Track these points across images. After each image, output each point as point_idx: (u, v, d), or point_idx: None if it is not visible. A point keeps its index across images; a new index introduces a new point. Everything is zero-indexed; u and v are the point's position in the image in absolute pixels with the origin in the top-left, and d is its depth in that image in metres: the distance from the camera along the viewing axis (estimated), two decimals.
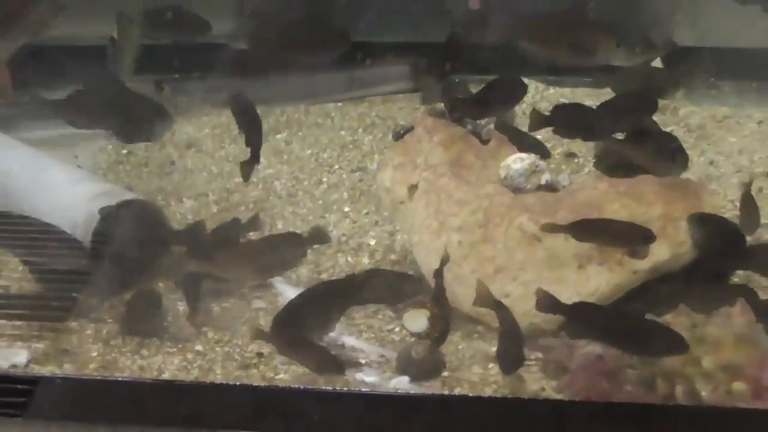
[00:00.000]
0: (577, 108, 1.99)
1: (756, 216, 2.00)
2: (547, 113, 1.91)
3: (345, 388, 1.66)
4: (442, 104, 2.10)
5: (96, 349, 1.83)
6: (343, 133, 2.66)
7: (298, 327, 1.71)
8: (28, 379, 1.66)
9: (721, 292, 1.80)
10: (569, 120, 1.87)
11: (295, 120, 2.74)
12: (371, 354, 1.78)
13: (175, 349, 1.82)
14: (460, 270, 1.84)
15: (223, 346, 1.83)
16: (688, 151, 1.88)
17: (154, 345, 1.83)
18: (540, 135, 2.30)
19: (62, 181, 2.13)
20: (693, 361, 1.55)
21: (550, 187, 1.93)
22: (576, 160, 2.39)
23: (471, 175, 1.97)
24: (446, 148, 1.98)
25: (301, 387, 1.66)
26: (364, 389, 1.67)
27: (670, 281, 1.80)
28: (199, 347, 1.83)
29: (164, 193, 2.38)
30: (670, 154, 1.81)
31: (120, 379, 1.73)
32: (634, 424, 1.53)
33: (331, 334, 1.78)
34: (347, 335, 1.82)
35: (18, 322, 1.86)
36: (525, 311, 1.77)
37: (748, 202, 2.00)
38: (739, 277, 1.89)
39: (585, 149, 2.19)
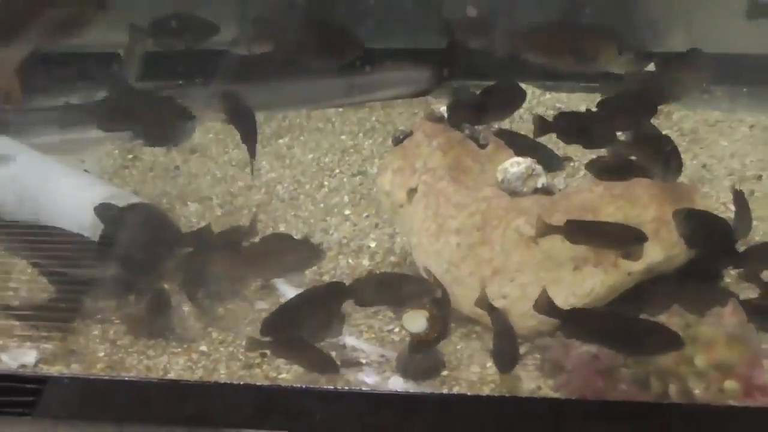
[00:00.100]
0: (579, 116, 1.99)
1: (749, 219, 2.00)
2: (550, 119, 1.92)
3: (346, 388, 1.66)
4: (441, 109, 2.10)
5: (103, 350, 1.83)
6: (343, 137, 2.67)
7: (286, 329, 1.71)
8: (36, 379, 1.66)
9: (713, 292, 1.81)
10: (572, 127, 1.88)
11: (296, 125, 2.75)
12: (372, 354, 1.78)
13: (180, 350, 1.83)
14: (459, 272, 1.85)
15: (227, 347, 1.83)
16: (681, 155, 1.88)
17: (159, 345, 1.84)
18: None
19: (70, 186, 2.13)
20: (686, 360, 1.56)
21: (547, 191, 1.93)
22: (572, 164, 2.39)
23: (469, 178, 1.97)
24: (445, 152, 1.98)
25: (304, 386, 1.66)
26: (364, 388, 1.68)
27: (664, 282, 1.80)
28: (203, 347, 1.83)
29: (169, 197, 2.39)
30: (665, 160, 1.82)
31: (126, 378, 1.73)
32: (629, 422, 1.53)
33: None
34: (348, 335, 1.83)
35: (27, 323, 1.86)
36: (522, 312, 1.77)
37: (741, 206, 2.00)
38: (730, 277, 1.90)
39: (581, 153, 2.19)
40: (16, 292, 2.00)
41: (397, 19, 2.67)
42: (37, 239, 1.92)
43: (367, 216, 2.28)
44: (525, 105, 2.43)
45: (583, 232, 1.74)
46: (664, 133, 2.05)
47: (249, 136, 1.99)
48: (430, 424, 1.56)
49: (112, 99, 2.10)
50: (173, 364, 1.78)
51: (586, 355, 1.62)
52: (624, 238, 1.75)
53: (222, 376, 1.74)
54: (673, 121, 2.60)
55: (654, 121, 2.10)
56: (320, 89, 2.76)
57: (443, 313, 1.72)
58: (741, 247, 1.87)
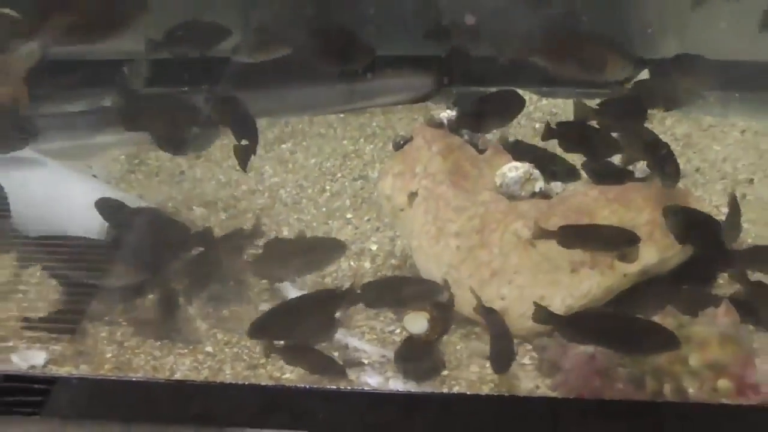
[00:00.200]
0: (581, 127, 2.01)
1: (738, 221, 2.01)
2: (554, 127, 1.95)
3: (349, 387, 1.67)
4: (441, 115, 2.12)
5: (110, 351, 1.84)
6: (345, 142, 2.67)
7: (274, 333, 1.71)
8: (45, 379, 1.67)
9: (706, 293, 1.82)
10: (573, 137, 1.90)
11: (299, 130, 2.75)
12: (373, 354, 1.79)
13: (186, 351, 1.83)
14: (458, 274, 1.86)
15: (232, 347, 1.84)
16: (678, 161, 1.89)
17: (166, 346, 1.84)
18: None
19: (77, 191, 2.14)
20: (680, 359, 1.57)
21: (544, 195, 1.94)
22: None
23: (468, 183, 1.98)
24: (444, 157, 1.99)
25: (307, 386, 1.67)
26: (366, 388, 1.68)
27: (658, 284, 1.81)
28: (209, 348, 1.83)
29: (175, 201, 2.39)
30: (663, 166, 1.83)
31: (134, 379, 1.74)
32: (625, 420, 1.54)
33: (336, 336, 1.79)
34: (350, 336, 1.83)
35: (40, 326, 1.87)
36: (520, 313, 1.78)
37: (732, 208, 2.01)
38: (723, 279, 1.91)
39: (577, 158, 2.20)
40: (25, 295, 2.01)
41: (397, 26, 2.67)
42: (52, 246, 1.91)
43: (368, 219, 2.29)
44: (523, 111, 2.44)
45: (577, 236, 1.75)
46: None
47: (250, 137, 1.99)
48: (431, 423, 1.57)
49: (135, 101, 2.10)
50: (179, 365, 1.78)
51: (583, 355, 1.63)
52: (617, 241, 1.76)
53: (227, 376, 1.75)
54: (667, 126, 2.60)
55: (647, 125, 2.11)
56: (322, 95, 2.77)
57: (446, 314, 1.72)
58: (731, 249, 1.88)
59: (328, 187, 2.45)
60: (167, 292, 1.91)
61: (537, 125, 2.65)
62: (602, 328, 1.58)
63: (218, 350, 1.83)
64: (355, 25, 2.58)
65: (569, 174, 2.04)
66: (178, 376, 1.75)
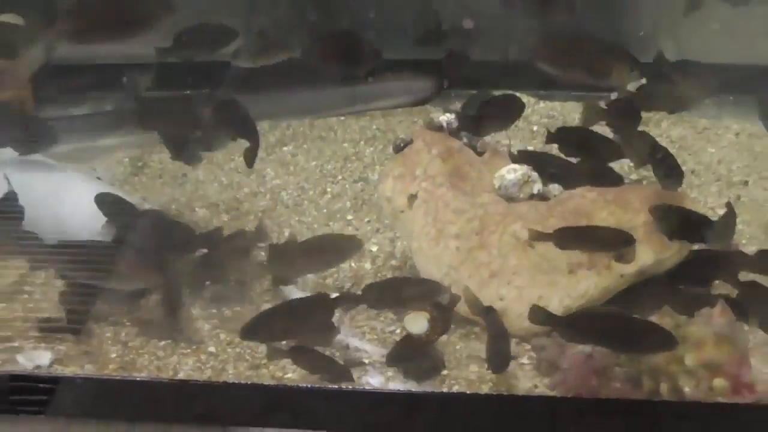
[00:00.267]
0: (581, 132, 2.02)
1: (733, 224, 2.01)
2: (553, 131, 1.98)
3: (350, 387, 1.67)
4: (441, 118, 2.12)
5: (115, 351, 1.84)
6: (345, 145, 2.68)
7: (266, 336, 1.72)
8: (50, 379, 1.67)
9: (702, 294, 1.82)
10: (573, 141, 1.90)
11: (300, 133, 2.76)
12: (374, 354, 1.79)
13: (189, 351, 1.83)
14: (458, 274, 1.86)
15: (235, 347, 1.84)
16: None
17: (169, 346, 1.84)
18: (530, 147, 2.33)
19: (82, 193, 2.13)
20: (676, 359, 1.57)
21: (542, 196, 1.95)
22: None
23: (467, 185, 1.98)
24: (444, 160, 2.00)
25: (309, 386, 1.67)
26: (367, 387, 1.68)
27: (655, 284, 1.81)
28: (212, 348, 1.84)
29: (177, 203, 2.39)
30: (666, 169, 1.84)
31: (138, 379, 1.74)
32: (622, 419, 1.54)
33: (339, 336, 1.80)
34: (351, 336, 1.84)
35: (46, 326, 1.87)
36: (519, 313, 1.78)
37: (728, 212, 2.00)
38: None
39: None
40: (30, 296, 2.01)
41: (396, 30, 2.68)
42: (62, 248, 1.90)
43: (369, 221, 2.29)
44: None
45: (573, 237, 1.75)
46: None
47: (251, 138, 2.00)
48: (431, 422, 1.57)
49: (152, 104, 2.11)
50: (183, 365, 1.79)
51: (581, 354, 1.63)
52: (612, 242, 1.76)
53: (230, 376, 1.75)
54: (662, 128, 2.61)
55: (644, 128, 2.11)
56: (323, 99, 2.78)
57: (446, 315, 1.73)
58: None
59: (329, 189, 2.45)
60: (171, 293, 1.91)
61: (535, 128, 2.66)
62: (601, 328, 1.58)
63: (221, 350, 1.83)
64: (355, 29, 2.59)
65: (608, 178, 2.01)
66: (181, 375, 1.75)
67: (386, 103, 2.80)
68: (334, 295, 1.82)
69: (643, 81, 1.99)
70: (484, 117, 2.02)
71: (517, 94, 2.21)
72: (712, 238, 1.77)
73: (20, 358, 1.80)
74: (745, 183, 2.35)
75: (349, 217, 2.32)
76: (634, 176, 2.28)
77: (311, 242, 2.01)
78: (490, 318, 1.69)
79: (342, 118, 2.80)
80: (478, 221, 1.89)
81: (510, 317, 1.79)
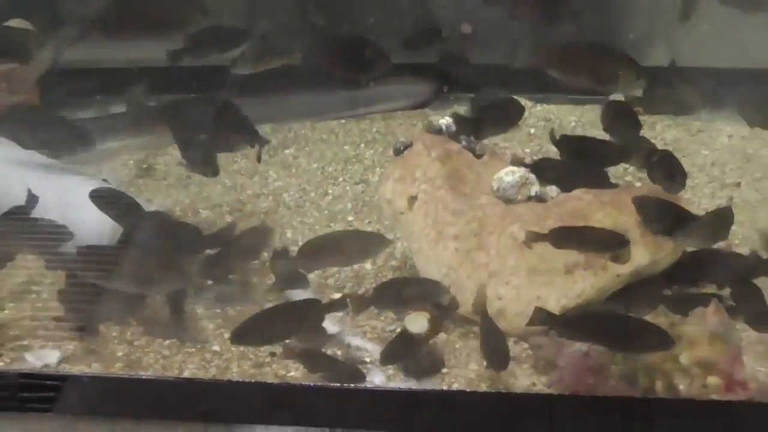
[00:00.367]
0: (581, 139, 2.03)
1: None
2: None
3: (352, 385, 1.67)
4: (440, 121, 2.12)
5: (121, 350, 1.84)
6: (346, 148, 2.68)
7: (256, 340, 1.72)
8: (58, 378, 1.68)
9: (696, 293, 1.82)
10: (575, 148, 1.92)
11: (302, 136, 2.76)
12: (375, 353, 1.79)
13: (194, 350, 1.83)
14: (457, 275, 1.86)
15: (238, 346, 1.84)
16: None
17: (174, 345, 1.85)
18: (527, 149, 2.34)
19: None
20: (671, 357, 1.58)
21: (539, 198, 1.95)
22: None
23: (466, 187, 1.98)
24: (443, 162, 2.00)
25: (311, 384, 1.67)
26: (369, 386, 1.69)
27: (650, 284, 1.82)
28: (216, 347, 1.84)
29: (182, 205, 2.40)
30: (669, 173, 1.85)
31: (143, 377, 1.74)
32: (618, 416, 1.55)
33: (340, 336, 1.80)
34: (353, 336, 1.84)
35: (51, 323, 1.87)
36: (517, 313, 1.79)
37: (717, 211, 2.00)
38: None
39: None
40: (38, 295, 2.01)
41: (396, 35, 2.68)
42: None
43: (369, 222, 2.30)
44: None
45: (569, 238, 1.76)
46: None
47: (251, 138, 2.00)
48: (432, 419, 1.58)
49: (183, 104, 2.11)
50: (188, 363, 1.79)
51: (578, 353, 1.63)
52: (607, 243, 1.77)
53: (234, 374, 1.75)
54: (657, 131, 2.62)
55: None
56: (324, 102, 2.78)
57: (445, 315, 1.73)
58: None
59: (330, 191, 2.46)
60: (176, 293, 1.91)
61: (532, 131, 2.66)
62: (603, 327, 1.58)
63: (225, 349, 1.83)
64: (355, 33, 2.60)
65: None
66: (186, 374, 1.75)
67: (386, 106, 2.80)
68: (337, 295, 1.82)
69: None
70: (485, 120, 2.03)
71: (515, 97, 2.23)
72: (700, 234, 1.77)
73: (29, 356, 1.80)
74: (738, 185, 2.35)
75: (350, 219, 2.32)
76: (629, 178, 2.29)
77: (339, 237, 2.02)
78: (487, 318, 1.70)
79: (343, 121, 2.81)
80: (477, 223, 1.90)
81: (508, 316, 1.79)
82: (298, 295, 1.92)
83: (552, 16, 1.95)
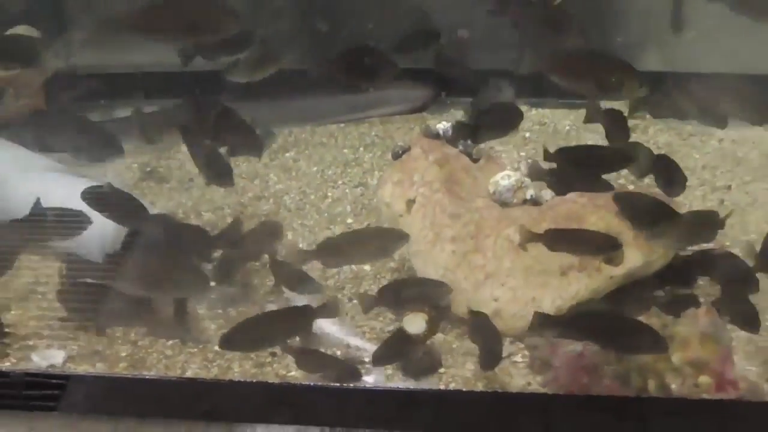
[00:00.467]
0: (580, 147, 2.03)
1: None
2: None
3: (351, 384, 1.67)
4: (438, 126, 2.13)
5: (125, 350, 1.84)
6: (345, 151, 2.68)
7: (245, 345, 1.72)
8: (63, 377, 1.68)
9: (688, 295, 1.83)
10: (573, 159, 1.93)
11: (302, 140, 2.76)
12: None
13: (196, 350, 1.84)
14: (454, 277, 1.87)
15: (226, 351, 1.83)
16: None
17: (177, 345, 1.85)
18: (522, 153, 2.34)
19: None
20: (664, 357, 1.58)
21: (535, 202, 1.95)
22: None
23: (463, 190, 1.99)
24: (441, 166, 2.00)
25: (312, 383, 1.68)
26: (368, 385, 1.69)
27: (643, 285, 1.82)
28: (218, 348, 1.84)
29: (184, 207, 2.40)
30: (668, 177, 1.85)
31: (147, 377, 1.74)
32: (612, 414, 1.56)
33: (339, 336, 1.80)
34: (352, 336, 1.84)
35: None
36: (512, 314, 1.80)
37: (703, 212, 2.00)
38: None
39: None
40: (43, 296, 2.01)
41: (394, 40, 2.69)
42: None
43: (368, 224, 2.30)
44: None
45: (562, 240, 1.76)
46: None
47: (251, 137, 2.00)
48: (429, 418, 1.58)
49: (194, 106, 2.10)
50: (190, 363, 1.79)
51: (572, 353, 1.64)
52: (600, 245, 1.77)
53: (235, 374, 1.75)
54: (649, 135, 2.62)
55: (632, 135, 2.12)
56: (324, 106, 2.78)
57: (442, 315, 1.73)
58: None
59: (329, 194, 2.46)
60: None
61: (527, 134, 2.66)
62: (601, 327, 1.59)
63: None
64: (354, 38, 2.60)
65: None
66: (188, 374, 1.75)
67: (385, 110, 2.81)
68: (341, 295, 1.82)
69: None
70: (483, 125, 2.03)
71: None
72: (676, 234, 1.77)
73: (34, 356, 1.80)
74: (729, 188, 2.36)
75: (350, 221, 2.32)
76: (622, 181, 2.29)
77: (360, 234, 2.02)
78: (482, 320, 1.70)
79: (342, 125, 2.81)
80: (474, 225, 1.90)
81: (504, 317, 1.80)
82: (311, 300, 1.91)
83: (559, 27, 1.95)
